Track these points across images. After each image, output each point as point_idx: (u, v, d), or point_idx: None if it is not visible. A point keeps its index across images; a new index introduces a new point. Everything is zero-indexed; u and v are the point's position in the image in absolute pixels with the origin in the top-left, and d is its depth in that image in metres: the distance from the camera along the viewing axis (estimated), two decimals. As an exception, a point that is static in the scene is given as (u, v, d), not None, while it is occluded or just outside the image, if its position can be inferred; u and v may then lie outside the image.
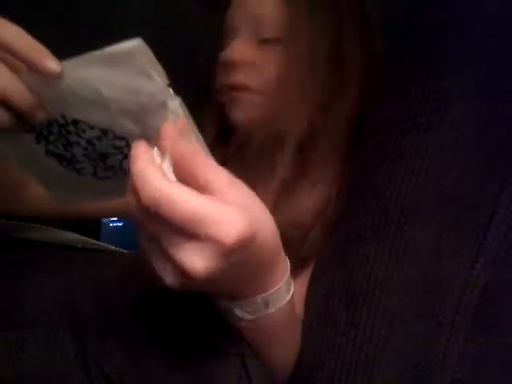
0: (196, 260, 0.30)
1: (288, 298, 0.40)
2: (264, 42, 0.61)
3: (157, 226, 0.31)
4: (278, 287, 0.38)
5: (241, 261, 0.32)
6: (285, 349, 0.45)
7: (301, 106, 0.60)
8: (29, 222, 0.46)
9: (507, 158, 0.40)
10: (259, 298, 0.38)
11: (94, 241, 0.52)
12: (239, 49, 0.61)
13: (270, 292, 0.38)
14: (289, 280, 0.40)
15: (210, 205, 0.30)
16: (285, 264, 0.40)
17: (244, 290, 0.37)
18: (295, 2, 0.61)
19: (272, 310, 0.39)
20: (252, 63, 0.61)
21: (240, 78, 0.61)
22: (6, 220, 0.44)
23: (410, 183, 0.41)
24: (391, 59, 0.53)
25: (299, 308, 0.48)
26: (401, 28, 0.54)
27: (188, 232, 0.30)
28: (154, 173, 0.30)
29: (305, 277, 0.52)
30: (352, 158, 0.55)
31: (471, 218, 0.40)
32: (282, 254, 0.39)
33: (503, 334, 0.38)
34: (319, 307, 0.44)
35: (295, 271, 0.53)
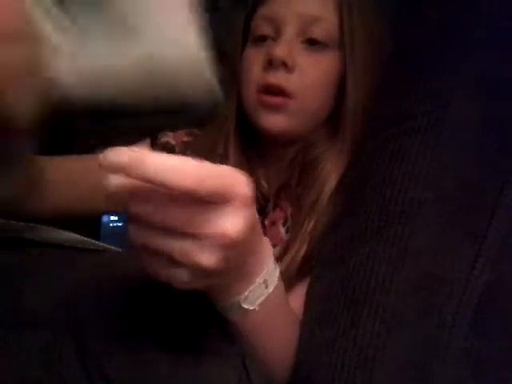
0: (234, 222, 0.31)
1: (278, 273, 0.41)
2: (310, 42, 0.60)
3: (175, 218, 0.30)
4: (270, 262, 0.39)
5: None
6: (283, 342, 0.45)
7: (325, 110, 0.62)
8: (28, 221, 0.46)
9: (507, 158, 0.40)
10: (260, 279, 0.38)
11: (94, 241, 0.52)
12: (286, 47, 0.59)
13: (265, 270, 0.39)
14: (273, 256, 0.41)
15: (223, 169, 0.32)
16: (267, 240, 0.41)
17: (247, 272, 0.38)
18: (351, 9, 0.61)
19: (271, 288, 0.39)
20: (295, 66, 0.59)
21: (279, 79, 0.59)
22: (5, 220, 0.44)
23: (410, 183, 0.41)
24: (391, 59, 0.53)
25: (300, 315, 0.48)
26: (401, 28, 0.54)
27: (218, 200, 0.31)
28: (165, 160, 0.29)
29: (302, 287, 0.52)
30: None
31: (471, 218, 0.40)
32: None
33: (503, 334, 0.38)
34: (319, 307, 0.44)
35: (293, 281, 0.53)
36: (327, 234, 0.50)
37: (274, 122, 0.60)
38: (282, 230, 0.61)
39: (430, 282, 0.39)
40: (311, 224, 0.56)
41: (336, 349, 0.39)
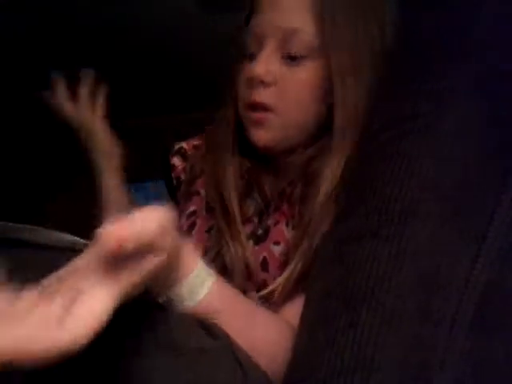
0: None
1: (207, 291, 0.45)
2: (290, 58, 0.61)
3: None
4: (184, 283, 0.44)
5: None
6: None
7: (314, 121, 0.63)
8: (24, 223, 0.46)
9: (507, 158, 0.40)
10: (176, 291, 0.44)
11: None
12: (264, 66, 0.61)
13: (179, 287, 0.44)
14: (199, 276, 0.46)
15: None
16: (187, 263, 0.45)
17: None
18: (334, 17, 0.60)
19: (194, 301, 0.44)
20: (275, 82, 0.61)
21: (261, 96, 0.62)
22: (4, 222, 0.44)
23: (410, 183, 0.41)
24: (391, 60, 0.53)
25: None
26: (401, 28, 0.54)
27: None
28: None
29: (300, 298, 0.54)
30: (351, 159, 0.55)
31: (471, 218, 0.40)
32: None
33: (503, 334, 0.38)
34: (318, 306, 0.44)
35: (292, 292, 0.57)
36: (327, 234, 0.50)
37: (258, 136, 0.64)
38: (285, 229, 0.63)
39: (429, 281, 0.39)
40: (307, 241, 0.58)
41: (335, 348, 0.39)
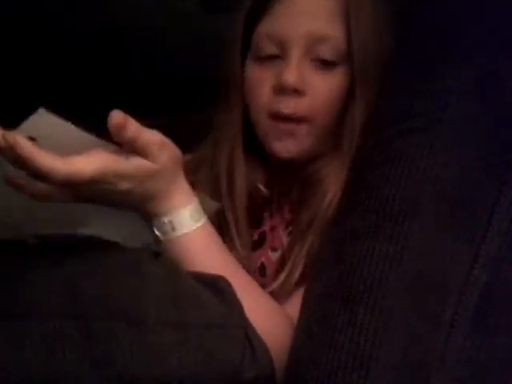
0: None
1: (195, 227, 0.46)
2: (319, 61, 0.58)
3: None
4: (179, 212, 0.45)
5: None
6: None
7: (333, 126, 0.59)
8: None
9: (506, 158, 0.40)
10: (165, 219, 0.45)
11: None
12: (296, 73, 0.56)
13: (172, 215, 0.45)
14: (195, 212, 0.47)
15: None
16: (184, 194, 0.47)
17: (149, 207, 0.45)
18: (359, 21, 0.58)
19: (178, 233, 0.45)
20: (306, 89, 0.57)
21: (295, 107, 0.57)
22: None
23: (408, 183, 0.41)
24: (390, 59, 0.53)
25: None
26: (400, 29, 0.54)
27: None
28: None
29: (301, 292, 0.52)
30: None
31: (470, 218, 0.40)
32: (180, 184, 0.47)
33: (503, 334, 0.38)
34: (317, 305, 0.44)
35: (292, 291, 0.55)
36: (326, 232, 0.50)
37: (285, 147, 0.59)
38: (284, 234, 0.62)
39: (427, 281, 0.39)
40: (308, 242, 0.55)
41: (333, 346, 0.39)
